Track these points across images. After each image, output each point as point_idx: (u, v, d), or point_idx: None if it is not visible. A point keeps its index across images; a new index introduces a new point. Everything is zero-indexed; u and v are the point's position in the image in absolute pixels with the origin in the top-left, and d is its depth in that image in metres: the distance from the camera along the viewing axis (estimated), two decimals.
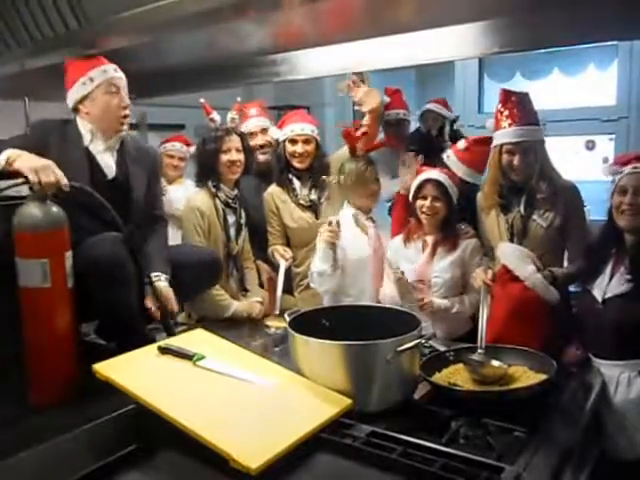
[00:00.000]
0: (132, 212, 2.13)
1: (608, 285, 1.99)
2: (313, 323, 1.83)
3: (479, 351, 1.92)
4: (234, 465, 1.29)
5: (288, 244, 2.93)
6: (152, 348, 1.77)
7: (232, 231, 2.73)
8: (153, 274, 2.13)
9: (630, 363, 1.96)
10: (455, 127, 3.68)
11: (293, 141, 2.84)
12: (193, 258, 2.35)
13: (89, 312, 2.00)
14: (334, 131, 5.20)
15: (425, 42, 2.07)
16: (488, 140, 2.35)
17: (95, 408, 1.64)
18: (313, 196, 2.88)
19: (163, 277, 2.15)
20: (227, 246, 2.71)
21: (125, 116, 2.17)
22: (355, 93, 2.71)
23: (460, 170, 2.52)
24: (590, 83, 4.43)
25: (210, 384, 1.62)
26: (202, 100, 2.91)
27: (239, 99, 3.09)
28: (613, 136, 4.23)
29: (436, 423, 1.59)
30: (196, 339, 1.87)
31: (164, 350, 1.75)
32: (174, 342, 1.80)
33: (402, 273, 2.38)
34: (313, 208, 2.88)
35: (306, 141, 2.84)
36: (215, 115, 2.87)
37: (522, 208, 2.25)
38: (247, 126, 2.98)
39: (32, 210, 1.74)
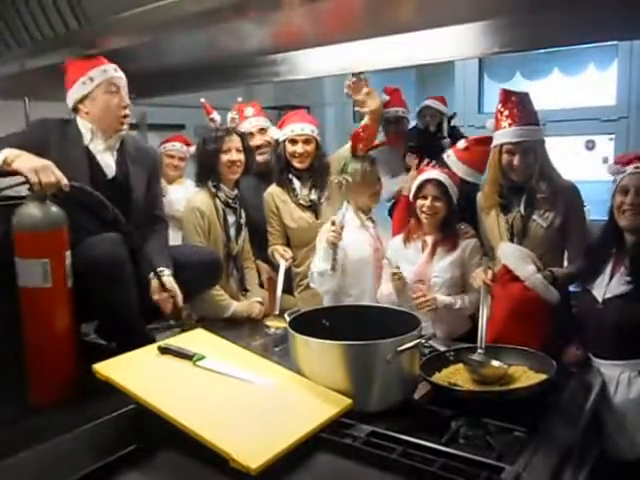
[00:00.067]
0: (132, 212, 2.13)
1: (608, 285, 1.99)
2: (313, 323, 1.83)
3: (479, 351, 1.92)
4: (234, 465, 1.29)
5: (288, 244, 2.93)
6: (152, 348, 1.77)
7: (232, 231, 2.73)
8: (158, 269, 2.13)
9: (630, 363, 1.96)
10: (452, 124, 3.69)
11: (293, 141, 2.85)
12: (193, 258, 2.35)
13: (89, 312, 2.00)
14: (334, 131, 5.23)
15: (425, 42, 2.07)
16: (488, 140, 2.35)
17: (95, 408, 1.64)
18: (313, 196, 2.88)
19: (167, 271, 2.15)
20: (227, 246, 2.71)
21: (125, 116, 2.17)
22: (356, 94, 2.72)
23: (460, 170, 2.52)
24: (590, 83, 4.42)
25: (210, 384, 1.62)
26: (202, 100, 2.91)
27: (239, 99, 3.09)
28: (613, 136, 4.23)
29: (436, 423, 1.59)
30: (196, 339, 1.87)
31: (164, 350, 1.75)
32: (174, 342, 1.80)
33: (398, 268, 2.39)
34: (313, 208, 2.89)
35: (306, 141, 2.84)
36: (215, 115, 2.87)
37: (522, 208, 2.25)
38: (245, 127, 2.98)
39: (32, 210, 1.74)
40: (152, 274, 2.11)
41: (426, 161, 2.62)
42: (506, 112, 2.23)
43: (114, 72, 2.16)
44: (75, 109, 2.16)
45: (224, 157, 2.65)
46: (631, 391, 1.95)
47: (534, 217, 2.24)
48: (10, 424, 1.61)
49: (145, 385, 1.56)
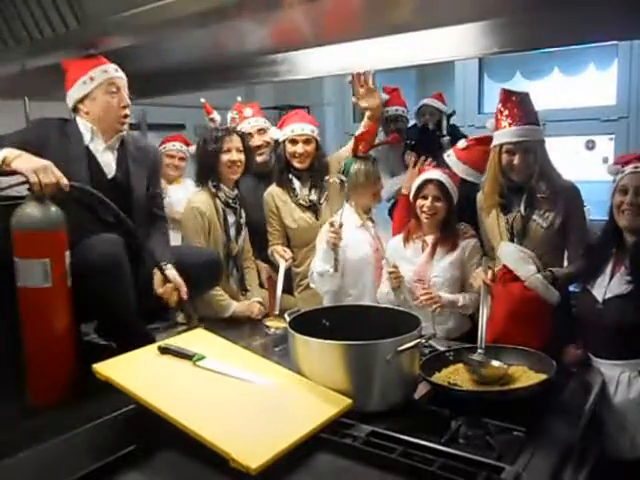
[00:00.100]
0: (133, 211, 2.13)
1: (608, 285, 1.99)
2: (313, 323, 1.83)
3: (479, 351, 1.92)
4: (234, 465, 1.29)
5: (288, 244, 2.93)
6: (152, 348, 1.77)
7: (232, 231, 2.73)
8: (160, 262, 2.13)
9: (630, 363, 1.96)
10: (452, 122, 3.70)
11: (293, 141, 2.85)
12: (194, 259, 2.34)
13: (88, 312, 2.00)
14: (334, 131, 5.23)
15: (425, 42, 2.07)
16: (489, 140, 2.35)
17: (95, 408, 1.64)
18: (313, 196, 2.88)
19: (170, 265, 2.15)
20: (227, 246, 2.71)
21: (125, 116, 2.17)
22: (359, 86, 2.72)
23: (460, 169, 2.53)
24: (590, 83, 4.42)
25: (210, 384, 1.62)
26: (202, 100, 2.92)
27: (239, 99, 3.09)
28: (613, 136, 4.23)
29: (436, 423, 1.59)
30: (196, 339, 1.87)
31: (164, 350, 1.74)
32: (174, 342, 1.79)
33: (395, 267, 2.39)
34: (313, 208, 2.89)
35: (306, 141, 2.85)
36: (215, 115, 2.87)
37: (522, 208, 2.26)
38: (243, 127, 2.98)
39: (32, 210, 1.74)
40: (155, 269, 2.11)
41: (423, 158, 2.63)
42: (506, 112, 2.24)
43: (114, 72, 2.16)
44: (75, 109, 2.16)
45: (224, 157, 2.65)
46: (631, 391, 1.95)
47: (534, 217, 2.24)
48: (10, 424, 1.61)
49: (145, 385, 1.56)
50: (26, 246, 1.74)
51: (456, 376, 1.87)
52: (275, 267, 2.89)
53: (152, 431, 1.46)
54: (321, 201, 2.89)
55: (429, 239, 2.44)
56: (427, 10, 1.89)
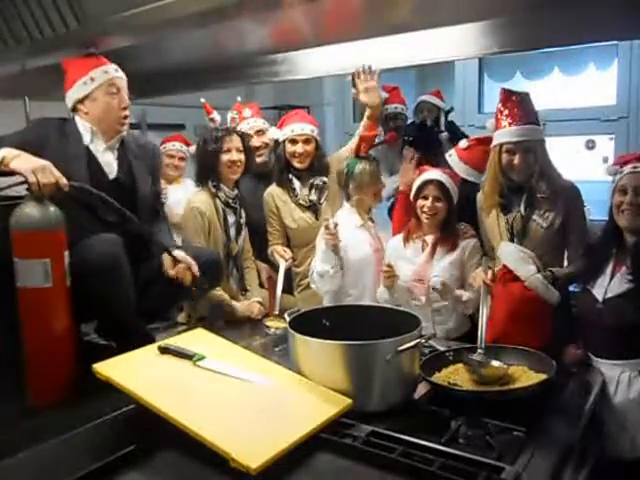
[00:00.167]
0: (138, 210, 2.13)
1: (609, 285, 1.99)
2: (313, 323, 1.83)
3: (479, 351, 1.92)
4: (234, 465, 1.29)
5: (288, 244, 2.93)
6: (152, 348, 1.77)
7: (232, 231, 2.73)
8: (169, 248, 2.16)
9: (630, 363, 1.96)
10: (450, 118, 3.71)
11: (293, 141, 2.84)
12: (194, 259, 2.34)
13: (88, 312, 2.00)
14: (334, 131, 5.23)
15: (425, 42, 2.07)
16: (490, 140, 2.35)
17: (95, 408, 1.64)
18: (313, 196, 2.88)
19: (176, 249, 2.17)
20: (227, 246, 2.71)
21: (125, 117, 2.17)
22: (358, 83, 2.71)
23: (462, 170, 2.53)
24: (590, 83, 4.42)
25: (210, 384, 1.62)
26: (202, 100, 2.92)
27: (239, 99, 3.09)
28: (613, 136, 4.23)
29: (436, 423, 1.59)
30: (196, 339, 1.87)
31: (164, 350, 1.74)
32: (174, 342, 1.79)
33: (390, 267, 2.39)
34: (313, 208, 2.88)
35: (306, 141, 2.84)
36: (215, 115, 2.87)
37: (522, 208, 2.25)
38: (242, 128, 2.97)
39: (31, 210, 1.74)
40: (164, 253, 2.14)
41: (417, 156, 2.62)
42: (506, 111, 2.23)
43: (115, 72, 2.16)
44: (74, 109, 2.16)
45: (224, 157, 2.65)
46: (631, 391, 1.95)
47: (534, 217, 2.24)
48: (10, 424, 1.61)
49: (145, 385, 1.56)
50: (25, 246, 1.74)
51: (456, 376, 1.86)
52: (275, 267, 2.88)
53: (152, 431, 1.46)
54: (321, 201, 2.89)
55: (429, 239, 2.44)
56: (427, 10, 1.89)
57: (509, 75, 4.59)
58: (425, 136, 3.29)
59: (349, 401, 1.57)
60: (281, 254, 2.83)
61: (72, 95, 2.14)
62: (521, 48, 2.33)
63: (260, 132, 3.05)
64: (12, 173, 1.76)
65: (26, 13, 2.30)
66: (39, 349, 1.77)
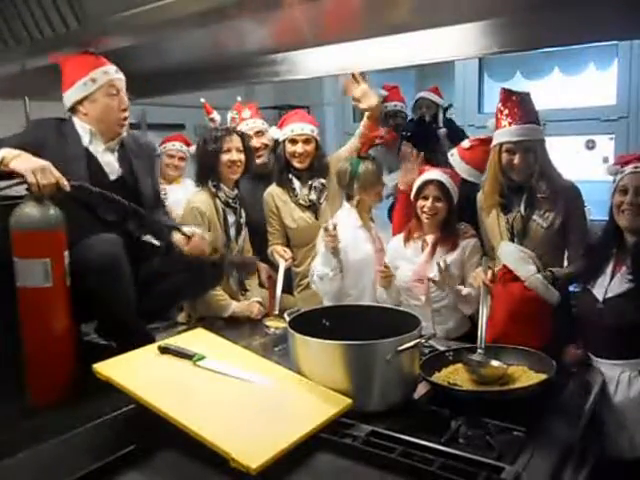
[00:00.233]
0: (142, 207, 2.13)
1: (609, 285, 1.99)
2: (313, 323, 1.83)
3: (479, 351, 1.92)
4: (234, 465, 1.29)
5: (288, 244, 2.93)
6: (152, 348, 1.77)
7: (232, 231, 2.73)
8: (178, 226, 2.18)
9: (630, 362, 1.96)
10: (449, 115, 3.72)
11: (293, 141, 2.85)
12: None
13: (88, 312, 2.00)
14: (334, 131, 5.23)
15: (425, 42, 2.07)
16: (492, 140, 2.35)
17: (95, 408, 1.65)
18: (313, 196, 2.88)
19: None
20: (227, 246, 2.71)
21: (125, 118, 2.16)
22: (353, 90, 2.72)
23: (463, 170, 2.53)
24: (590, 83, 4.42)
25: (210, 384, 1.62)
26: (202, 100, 2.92)
27: (239, 99, 3.09)
28: (613, 136, 4.23)
29: (436, 423, 1.59)
30: (196, 339, 1.87)
31: (164, 350, 1.74)
32: (174, 342, 1.80)
33: (386, 266, 2.39)
34: (313, 208, 2.89)
35: (306, 141, 2.84)
36: (215, 115, 2.87)
37: (522, 208, 2.25)
38: (241, 129, 2.97)
39: (31, 210, 1.74)
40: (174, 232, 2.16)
41: (419, 155, 2.63)
42: (506, 111, 2.23)
43: (115, 73, 2.15)
44: (73, 109, 2.15)
45: (224, 157, 2.65)
46: (631, 391, 1.95)
47: (534, 217, 2.24)
48: (10, 424, 1.61)
49: (145, 385, 1.56)
50: (25, 246, 1.74)
51: (456, 376, 1.87)
52: (275, 267, 2.88)
53: (152, 431, 1.46)
54: (321, 201, 2.89)
55: (429, 239, 2.44)
56: (427, 10, 1.89)
57: (509, 75, 4.59)
58: (423, 131, 3.30)
59: (349, 401, 1.57)
60: (281, 254, 2.83)
61: (71, 96, 2.13)
62: (521, 48, 2.32)
63: (259, 133, 3.05)
64: (12, 173, 1.76)
65: (26, 13, 2.29)
66: (39, 349, 1.77)
